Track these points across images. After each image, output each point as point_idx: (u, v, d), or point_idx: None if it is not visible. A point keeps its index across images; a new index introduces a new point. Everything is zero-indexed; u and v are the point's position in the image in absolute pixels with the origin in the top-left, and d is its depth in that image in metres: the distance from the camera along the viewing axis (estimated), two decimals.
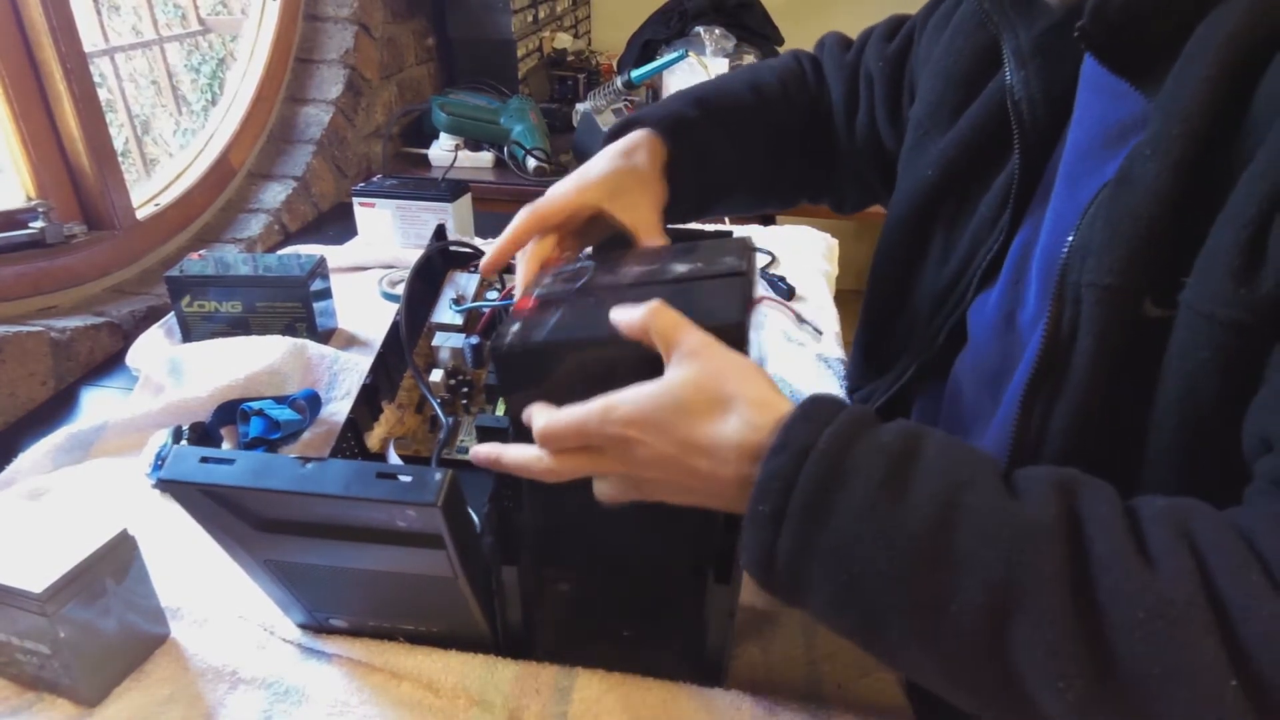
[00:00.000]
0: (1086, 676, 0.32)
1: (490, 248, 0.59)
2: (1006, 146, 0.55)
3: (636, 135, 0.65)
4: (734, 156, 0.71)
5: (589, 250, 0.63)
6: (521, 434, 0.50)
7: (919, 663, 0.37)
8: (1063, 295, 0.45)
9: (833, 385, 0.83)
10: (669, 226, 0.62)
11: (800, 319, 0.95)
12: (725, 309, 0.46)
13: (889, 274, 0.66)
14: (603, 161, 0.62)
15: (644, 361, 0.44)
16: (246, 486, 0.40)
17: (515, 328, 0.48)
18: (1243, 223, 0.36)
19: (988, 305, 0.56)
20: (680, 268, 0.53)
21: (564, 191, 0.59)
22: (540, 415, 0.44)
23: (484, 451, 0.47)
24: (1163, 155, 0.40)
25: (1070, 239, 0.45)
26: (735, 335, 0.45)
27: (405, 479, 0.39)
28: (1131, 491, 0.38)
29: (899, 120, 0.70)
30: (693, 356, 0.42)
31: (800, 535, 0.37)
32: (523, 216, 0.58)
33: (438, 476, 0.39)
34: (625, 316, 0.44)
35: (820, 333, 0.92)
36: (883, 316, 0.68)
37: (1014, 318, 0.53)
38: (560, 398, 0.45)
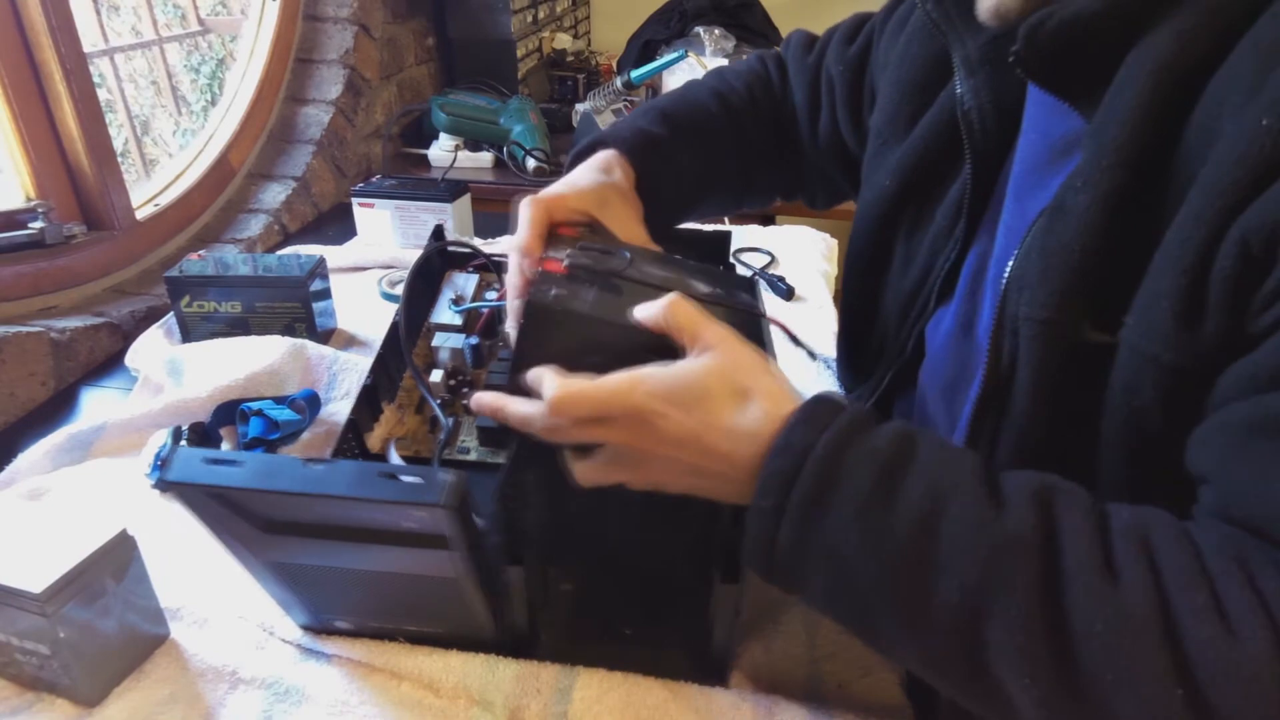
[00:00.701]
0: (1050, 677, 0.34)
1: (519, 241, 0.56)
2: (960, 156, 0.55)
3: (608, 155, 0.65)
4: (702, 170, 0.71)
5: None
6: (517, 388, 0.50)
7: (905, 654, 0.40)
8: (1001, 326, 0.46)
9: (832, 386, 0.83)
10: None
11: (796, 341, 0.93)
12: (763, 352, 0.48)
13: (857, 283, 0.67)
14: (587, 174, 0.62)
15: (668, 356, 0.45)
16: (253, 488, 0.40)
17: (555, 290, 0.48)
18: (1182, 269, 0.37)
19: (945, 317, 0.56)
20: (702, 288, 0.54)
21: (562, 192, 0.59)
22: (555, 380, 0.44)
23: (487, 400, 0.47)
24: (1093, 187, 0.40)
25: (1009, 267, 0.46)
26: None
27: (412, 480, 0.39)
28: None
29: (860, 125, 0.70)
30: (715, 348, 0.43)
31: (797, 531, 0.39)
32: (534, 208, 0.56)
33: (445, 478, 0.39)
34: (648, 310, 0.46)
35: (815, 356, 0.91)
36: (858, 324, 0.69)
37: (971, 329, 0.53)
38: (570, 367, 0.46)
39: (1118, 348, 0.41)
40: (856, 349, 0.70)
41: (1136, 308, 0.39)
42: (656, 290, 0.52)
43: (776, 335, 0.92)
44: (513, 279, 0.54)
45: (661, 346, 0.47)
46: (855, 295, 0.67)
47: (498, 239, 1.15)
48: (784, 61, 0.79)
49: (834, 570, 0.39)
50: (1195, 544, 0.35)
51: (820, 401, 0.41)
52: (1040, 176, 0.47)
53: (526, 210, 0.56)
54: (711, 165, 0.72)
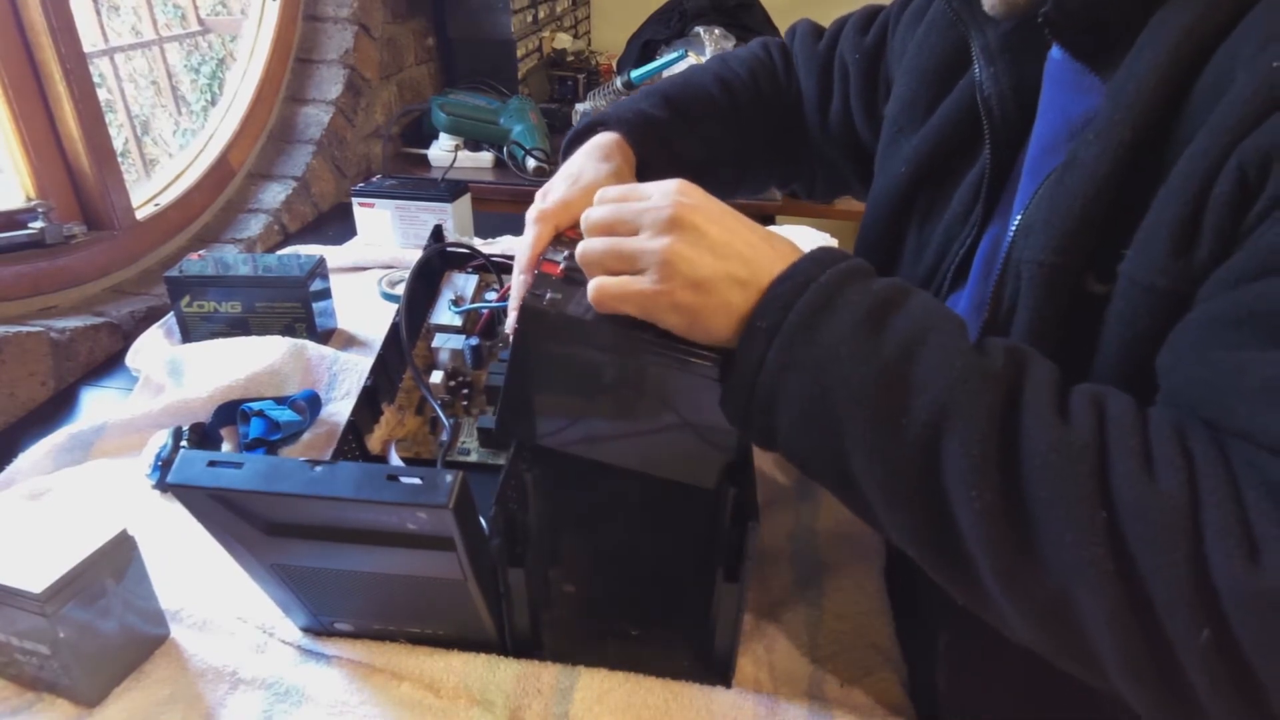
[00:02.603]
0: (994, 490, 0.36)
1: (523, 261, 0.56)
2: (978, 142, 0.56)
3: (607, 139, 0.65)
4: (703, 154, 0.72)
5: None
6: (514, 397, 0.50)
7: (864, 480, 0.40)
8: (1005, 272, 0.48)
9: None
10: None
11: None
12: None
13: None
14: (588, 165, 0.62)
15: (667, 359, 0.45)
16: (256, 490, 0.40)
17: (550, 293, 0.48)
18: (1184, 199, 0.39)
19: (960, 302, 0.57)
20: None
21: (567, 196, 0.59)
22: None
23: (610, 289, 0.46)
24: (1105, 138, 0.42)
25: (1018, 218, 0.48)
26: None
27: (416, 481, 0.39)
28: None
29: (875, 114, 0.71)
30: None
31: (786, 349, 0.41)
32: (540, 224, 0.56)
33: (448, 478, 0.39)
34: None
35: None
36: None
37: (983, 312, 0.54)
38: (566, 370, 0.46)
39: (1114, 289, 0.43)
40: None
41: (1137, 241, 0.41)
42: None
43: None
44: (516, 294, 0.55)
45: (665, 350, 0.47)
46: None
47: (497, 239, 1.15)
48: (789, 49, 0.79)
49: (815, 389, 0.41)
50: (1143, 411, 0.38)
51: (828, 249, 0.44)
52: (1056, 155, 0.48)
53: (533, 229, 0.56)
54: (712, 151, 0.73)
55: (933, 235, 0.60)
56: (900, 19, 0.69)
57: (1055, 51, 0.50)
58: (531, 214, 0.56)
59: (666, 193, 0.45)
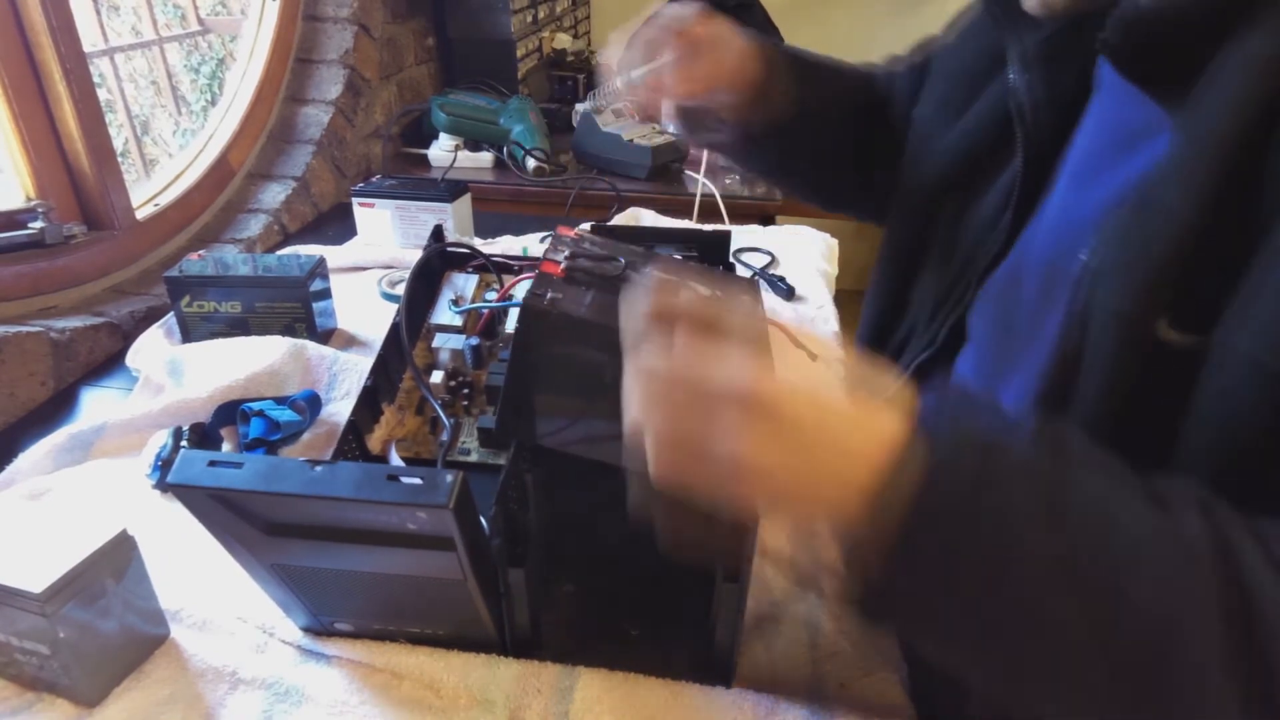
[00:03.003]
0: (1257, 682, 0.32)
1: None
2: (1009, 147, 0.55)
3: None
4: (819, 103, 0.71)
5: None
6: (515, 397, 0.50)
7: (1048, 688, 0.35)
8: (1072, 317, 0.44)
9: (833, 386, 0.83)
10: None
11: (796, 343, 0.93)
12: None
13: (891, 273, 0.67)
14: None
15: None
16: (256, 490, 0.40)
17: (551, 293, 0.48)
18: None
19: (987, 306, 0.56)
20: (702, 289, 0.54)
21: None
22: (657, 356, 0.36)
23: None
24: (1186, 179, 0.39)
25: (1082, 258, 0.44)
26: None
27: (416, 481, 0.39)
28: None
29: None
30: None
31: (963, 507, 0.33)
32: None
33: (448, 478, 0.39)
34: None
35: (814, 356, 0.90)
36: (886, 315, 0.68)
37: (1012, 321, 0.53)
38: (566, 370, 0.45)
39: (1209, 350, 0.38)
40: (880, 339, 0.70)
41: (1237, 305, 0.37)
42: None
43: (777, 336, 0.92)
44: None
45: None
46: (888, 286, 0.67)
47: (497, 239, 1.15)
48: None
49: (988, 572, 0.33)
50: None
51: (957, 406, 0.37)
52: (1103, 165, 0.47)
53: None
54: (823, 84, 0.73)
55: (961, 239, 0.59)
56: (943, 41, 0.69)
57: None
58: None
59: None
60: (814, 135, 0.73)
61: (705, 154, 1.42)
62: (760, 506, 0.37)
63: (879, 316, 0.70)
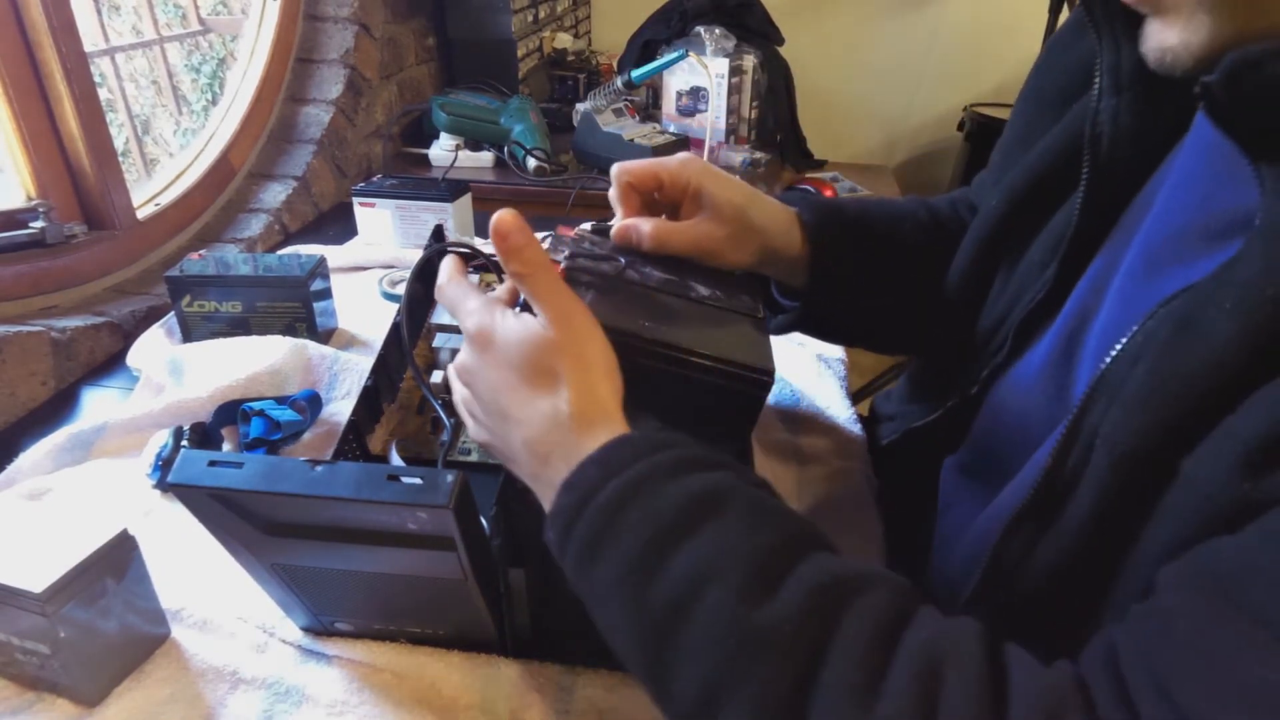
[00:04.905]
0: None
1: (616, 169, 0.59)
2: (1075, 182, 0.47)
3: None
4: (889, 250, 0.62)
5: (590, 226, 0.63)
6: None
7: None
8: (1076, 430, 0.39)
9: (832, 385, 0.83)
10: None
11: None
12: (762, 355, 0.49)
13: (951, 303, 0.60)
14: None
15: (663, 363, 0.46)
16: (257, 490, 0.40)
17: None
18: None
19: (1030, 365, 0.50)
20: (702, 289, 0.54)
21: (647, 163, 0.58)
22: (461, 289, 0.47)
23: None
24: (1244, 314, 0.31)
25: (1106, 362, 0.38)
26: (768, 386, 0.47)
27: (416, 481, 0.39)
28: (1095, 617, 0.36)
29: None
30: (563, 321, 0.43)
31: (576, 569, 0.39)
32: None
33: (449, 478, 0.39)
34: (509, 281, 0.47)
35: (821, 357, 0.90)
36: (934, 350, 0.64)
37: (1064, 391, 0.46)
38: None
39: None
40: (926, 367, 0.65)
41: (1211, 441, 0.33)
42: (654, 292, 0.52)
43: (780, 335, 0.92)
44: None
45: (661, 354, 0.46)
46: (945, 314, 0.61)
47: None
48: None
49: (599, 619, 0.38)
50: (999, 684, 0.30)
51: (623, 443, 0.39)
52: (1183, 250, 0.39)
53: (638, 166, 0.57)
54: (898, 250, 0.62)
55: (1010, 282, 0.53)
56: None
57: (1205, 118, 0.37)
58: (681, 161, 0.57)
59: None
60: (881, 297, 0.64)
61: (705, 153, 1.42)
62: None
63: (931, 343, 0.65)
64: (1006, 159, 0.57)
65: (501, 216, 0.43)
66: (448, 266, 0.49)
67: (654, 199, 0.59)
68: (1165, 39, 0.37)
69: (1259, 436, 0.30)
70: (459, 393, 0.48)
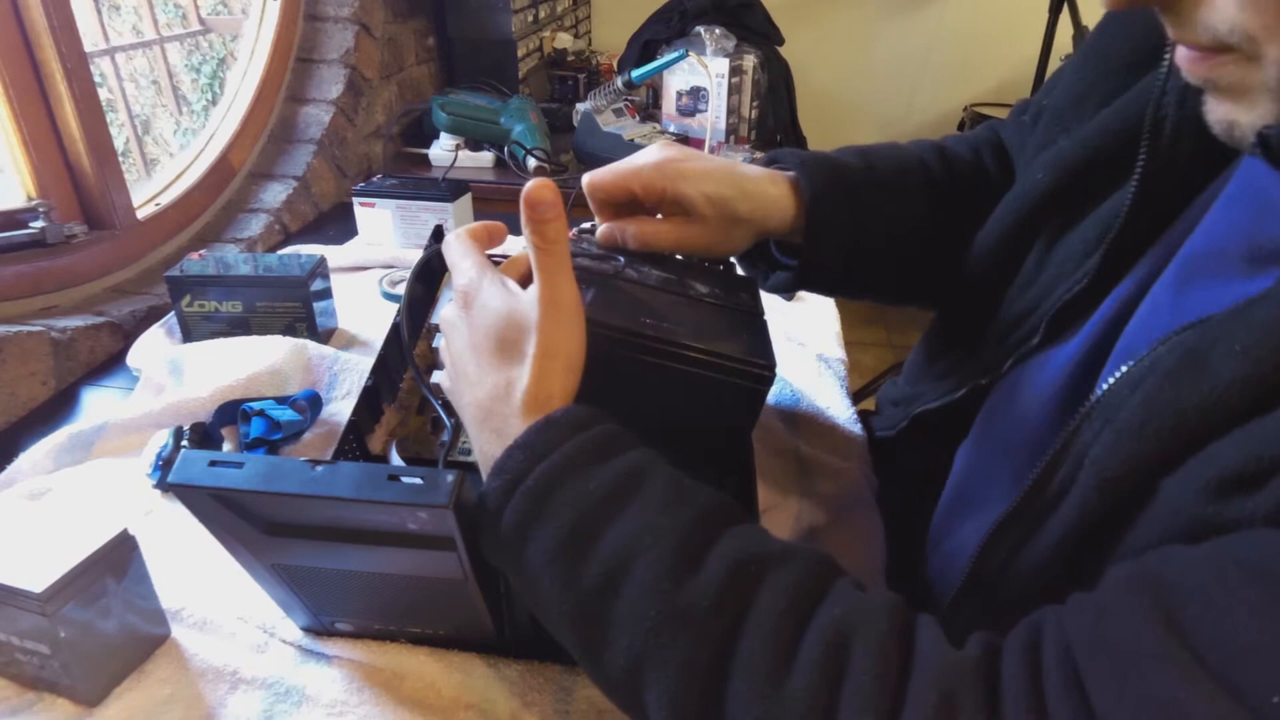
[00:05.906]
0: None
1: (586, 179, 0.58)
2: (1129, 169, 0.44)
3: (771, 173, 0.59)
4: (895, 215, 0.60)
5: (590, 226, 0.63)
6: None
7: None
8: (1067, 449, 0.39)
9: (832, 385, 0.83)
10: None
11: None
12: (763, 350, 0.49)
13: (975, 281, 0.57)
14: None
15: (665, 360, 0.46)
16: (257, 490, 0.40)
17: None
18: (1263, 458, 0.29)
19: (1060, 358, 0.47)
20: (701, 287, 0.54)
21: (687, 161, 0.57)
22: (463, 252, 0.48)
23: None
24: (1256, 359, 0.31)
25: (1108, 383, 0.38)
26: (769, 381, 0.48)
27: (416, 481, 0.39)
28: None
29: None
30: (550, 305, 0.43)
31: (505, 548, 0.40)
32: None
33: (449, 478, 0.39)
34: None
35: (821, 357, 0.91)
36: (955, 324, 0.62)
37: (1083, 396, 0.43)
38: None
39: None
40: (941, 348, 0.63)
41: (1191, 464, 0.33)
42: (654, 290, 0.52)
43: (779, 335, 0.92)
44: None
45: (662, 350, 0.47)
46: (967, 293, 0.59)
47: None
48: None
49: (531, 596, 0.40)
50: (903, 658, 0.31)
51: (551, 423, 0.40)
52: (1221, 269, 0.38)
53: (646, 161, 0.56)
54: (908, 214, 0.60)
55: (1048, 266, 0.50)
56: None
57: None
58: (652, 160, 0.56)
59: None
60: (881, 257, 0.62)
61: (704, 152, 1.42)
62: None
63: (948, 322, 0.64)
64: (1057, 119, 0.53)
65: (537, 185, 0.43)
66: (464, 230, 0.50)
67: (636, 199, 0.59)
68: (1233, 116, 0.35)
69: (1233, 464, 0.30)
70: (439, 340, 0.51)
